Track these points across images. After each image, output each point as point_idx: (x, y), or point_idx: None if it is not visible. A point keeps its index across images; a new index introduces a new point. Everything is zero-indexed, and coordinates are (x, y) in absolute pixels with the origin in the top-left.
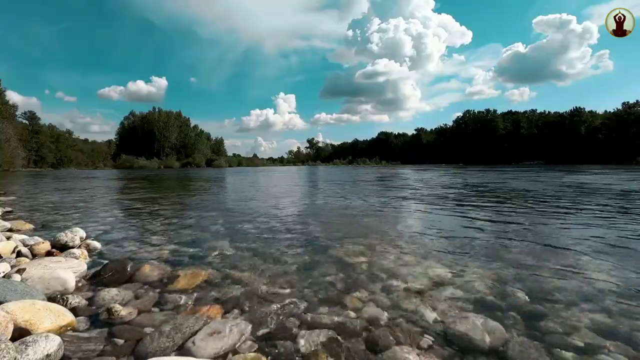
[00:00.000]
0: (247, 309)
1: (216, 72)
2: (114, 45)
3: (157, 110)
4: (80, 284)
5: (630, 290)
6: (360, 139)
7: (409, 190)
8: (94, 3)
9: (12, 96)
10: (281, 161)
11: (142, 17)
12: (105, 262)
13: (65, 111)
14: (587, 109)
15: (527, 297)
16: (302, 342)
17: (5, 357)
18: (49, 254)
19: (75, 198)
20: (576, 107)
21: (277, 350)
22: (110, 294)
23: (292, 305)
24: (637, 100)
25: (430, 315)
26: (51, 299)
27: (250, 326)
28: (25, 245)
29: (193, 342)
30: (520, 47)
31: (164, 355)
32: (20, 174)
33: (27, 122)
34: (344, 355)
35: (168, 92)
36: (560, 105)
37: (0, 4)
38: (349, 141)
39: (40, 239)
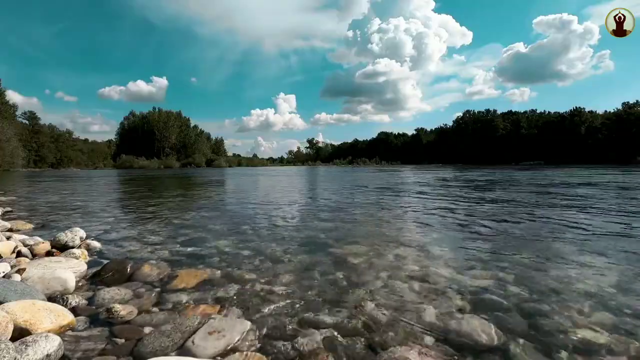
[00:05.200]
0: (247, 308)
1: (216, 72)
2: (114, 45)
3: (157, 110)
4: (80, 284)
5: (631, 289)
6: (360, 139)
7: (409, 190)
8: (94, 3)
9: (12, 96)
10: (281, 161)
11: (142, 17)
12: (105, 261)
13: (65, 111)
14: (587, 109)
15: (527, 297)
16: (302, 341)
17: (5, 357)
18: (49, 253)
19: (75, 198)
20: (576, 107)
21: (277, 350)
22: (110, 294)
23: (292, 305)
24: (637, 100)
25: (431, 315)
26: (51, 298)
27: (250, 325)
28: (25, 245)
29: (193, 342)
30: (520, 47)
31: (164, 354)
32: (20, 174)
33: (27, 122)
34: (344, 354)
35: (168, 92)
36: (561, 105)
37: (0, 4)
38: (349, 141)
39: (40, 239)
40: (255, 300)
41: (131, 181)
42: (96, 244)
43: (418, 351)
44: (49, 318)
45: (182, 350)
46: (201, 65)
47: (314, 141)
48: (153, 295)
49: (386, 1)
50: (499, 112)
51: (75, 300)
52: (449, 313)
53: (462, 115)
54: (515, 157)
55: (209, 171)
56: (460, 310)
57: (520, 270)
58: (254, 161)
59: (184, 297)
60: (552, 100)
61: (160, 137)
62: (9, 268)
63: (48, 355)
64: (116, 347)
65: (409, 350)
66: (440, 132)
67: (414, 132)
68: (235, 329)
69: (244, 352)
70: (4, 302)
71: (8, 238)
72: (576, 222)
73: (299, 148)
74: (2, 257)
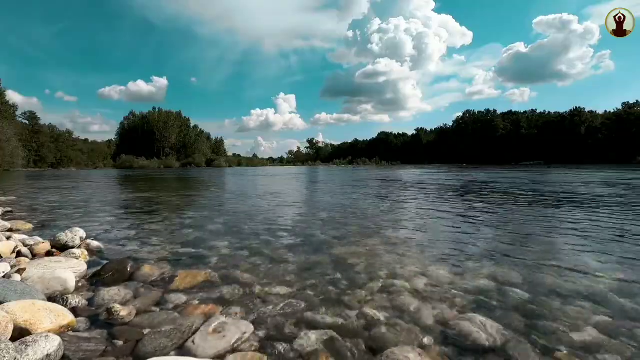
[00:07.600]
0: (247, 308)
1: (216, 72)
2: (114, 45)
3: (157, 110)
4: (80, 284)
5: (631, 288)
6: (360, 139)
7: (409, 190)
8: (94, 3)
9: (12, 96)
10: (281, 161)
11: (142, 17)
12: (105, 261)
13: (65, 111)
14: (587, 109)
15: (527, 297)
16: (302, 341)
17: (5, 357)
18: (49, 254)
19: (75, 198)
20: (576, 107)
21: (277, 350)
22: (110, 294)
23: (292, 305)
24: (637, 100)
25: (430, 315)
26: (51, 299)
27: (250, 325)
28: (25, 245)
29: (193, 342)
30: (520, 47)
31: (164, 355)
32: (20, 174)
33: (27, 122)
34: (344, 355)
35: (168, 92)
36: (561, 105)
37: (0, 4)
38: (349, 141)
39: (40, 239)
40: (255, 300)
41: (131, 181)
42: (96, 244)
43: (418, 351)
44: (49, 318)
45: (182, 350)
46: (201, 65)
47: (314, 141)
48: (153, 295)
49: (386, 1)
50: (499, 112)
51: (75, 300)
52: (449, 313)
53: (462, 115)
54: (515, 157)
55: (209, 171)
56: (460, 310)
57: (520, 271)
58: (254, 161)
59: (184, 298)
60: (552, 100)
61: (160, 137)
62: (9, 268)
63: (48, 356)
64: (116, 348)
65: (408, 351)
66: (440, 132)
67: (414, 132)
68: (236, 329)
69: (244, 352)
70: (4, 302)
71: (8, 238)
72: (577, 223)
73: (299, 148)
74: (2, 257)
